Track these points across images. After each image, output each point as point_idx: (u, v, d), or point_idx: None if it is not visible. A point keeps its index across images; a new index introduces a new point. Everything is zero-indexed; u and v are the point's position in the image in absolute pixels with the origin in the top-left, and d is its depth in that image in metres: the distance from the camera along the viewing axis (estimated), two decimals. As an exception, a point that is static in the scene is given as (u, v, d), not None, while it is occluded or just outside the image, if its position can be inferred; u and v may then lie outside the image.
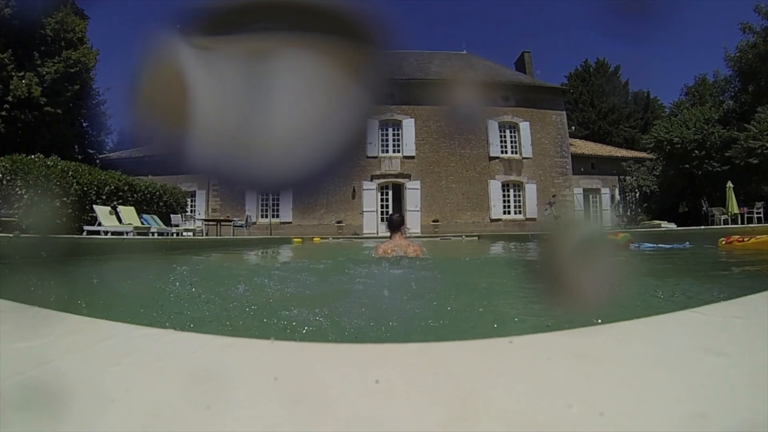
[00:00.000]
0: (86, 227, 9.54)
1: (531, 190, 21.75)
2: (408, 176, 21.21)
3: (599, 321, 0.65)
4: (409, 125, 21.52)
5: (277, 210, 21.43)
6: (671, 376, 0.45)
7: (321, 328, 1.41)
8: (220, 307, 1.89)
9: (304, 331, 1.37)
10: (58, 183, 9.98)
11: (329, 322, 1.45)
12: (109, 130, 25.99)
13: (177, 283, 2.35)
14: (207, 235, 14.92)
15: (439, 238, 14.34)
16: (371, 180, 21.27)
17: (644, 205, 22.72)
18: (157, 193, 14.14)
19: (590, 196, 23.64)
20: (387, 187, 21.53)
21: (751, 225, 12.17)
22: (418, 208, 20.94)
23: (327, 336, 1.34)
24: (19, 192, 9.35)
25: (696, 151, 18.80)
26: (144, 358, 0.56)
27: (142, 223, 10.66)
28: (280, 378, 0.46)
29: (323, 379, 0.45)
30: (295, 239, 11.78)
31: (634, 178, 22.58)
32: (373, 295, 2.22)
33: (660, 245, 4.59)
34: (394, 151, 21.75)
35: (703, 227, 9.98)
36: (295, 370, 0.49)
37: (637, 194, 22.90)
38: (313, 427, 0.35)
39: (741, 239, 4.46)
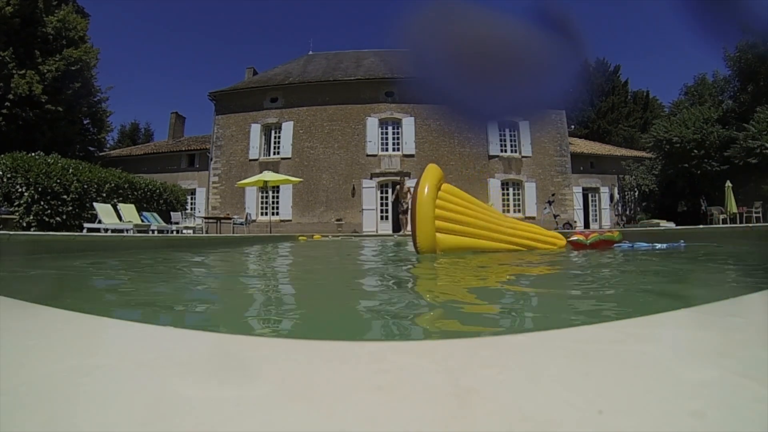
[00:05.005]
0: (86, 224, 9.54)
1: (530, 189, 21.77)
2: (408, 174, 21.20)
3: (598, 320, 0.65)
4: (409, 124, 21.53)
5: (277, 207, 21.44)
6: (669, 374, 0.46)
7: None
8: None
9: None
10: (58, 180, 9.98)
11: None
12: (110, 128, 25.98)
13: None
14: (207, 232, 14.91)
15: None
16: (371, 178, 21.28)
17: (643, 204, 22.77)
18: (158, 191, 14.15)
19: (589, 195, 23.65)
20: (387, 186, 21.53)
21: (749, 224, 12.18)
22: (418, 207, 20.93)
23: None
24: (20, 189, 9.35)
25: (695, 151, 18.82)
26: (143, 355, 0.57)
27: (143, 221, 10.66)
28: (281, 375, 0.46)
29: (324, 377, 0.46)
30: (300, 237, 11.84)
31: (634, 177, 22.62)
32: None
33: (655, 244, 4.53)
34: (393, 150, 21.75)
35: (701, 226, 10.00)
36: (297, 368, 0.49)
37: (636, 193, 22.93)
38: (312, 425, 0.35)
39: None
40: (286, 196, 21.35)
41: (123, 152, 26.49)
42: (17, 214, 9.12)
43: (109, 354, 0.59)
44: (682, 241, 4.96)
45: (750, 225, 11.30)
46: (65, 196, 10.11)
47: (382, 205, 21.36)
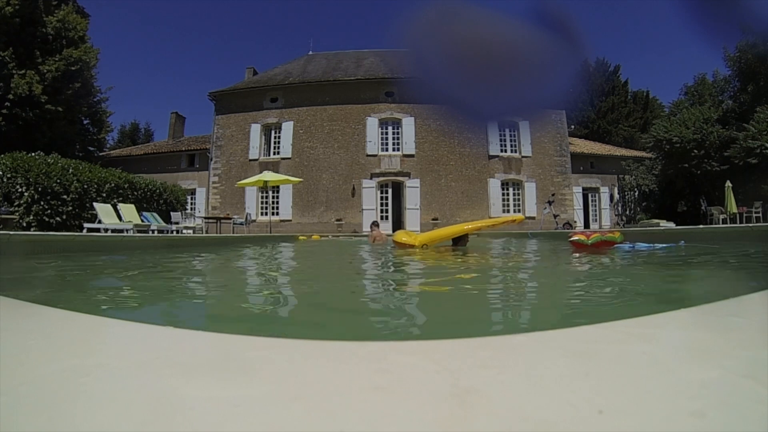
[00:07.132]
0: (86, 224, 9.54)
1: (530, 189, 21.75)
2: (408, 174, 21.21)
3: (598, 320, 0.65)
4: (409, 123, 21.52)
5: (277, 208, 21.43)
6: (669, 374, 0.46)
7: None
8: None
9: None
10: (58, 180, 9.98)
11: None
12: (110, 128, 26.00)
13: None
14: (207, 232, 14.91)
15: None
16: (371, 178, 21.27)
17: (643, 204, 22.76)
18: (158, 191, 14.15)
19: (589, 195, 23.64)
20: (387, 186, 21.53)
21: (749, 224, 12.18)
22: (418, 207, 20.95)
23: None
24: (20, 189, 9.36)
25: (695, 151, 18.81)
26: (143, 355, 0.57)
27: (143, 221, 10.65)
28: (281, 375, 0.46)
29: (323, 377, 0.46)
30: (301, 236, 11.87)
31: (634, 177, 22.62)
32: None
33: (656, 244, 4.53)
34: (393, 150, 21.74)
35: (701, 226, 10.00)
36: (297, 368, 0.49)
37: (636, 193, 22.92)
38: (312, 425, 0.35)
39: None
40: (286, 196, 21.34)
41: (123, 152, 26.47)
42: (17, 214, 9.12)
43: (109, 354, 0.59)
44: (682, 240, 4.96)
45: (750, 225, 11.29)
46: (65, 196, 10.11)
47: (382, 205, 21.35)
